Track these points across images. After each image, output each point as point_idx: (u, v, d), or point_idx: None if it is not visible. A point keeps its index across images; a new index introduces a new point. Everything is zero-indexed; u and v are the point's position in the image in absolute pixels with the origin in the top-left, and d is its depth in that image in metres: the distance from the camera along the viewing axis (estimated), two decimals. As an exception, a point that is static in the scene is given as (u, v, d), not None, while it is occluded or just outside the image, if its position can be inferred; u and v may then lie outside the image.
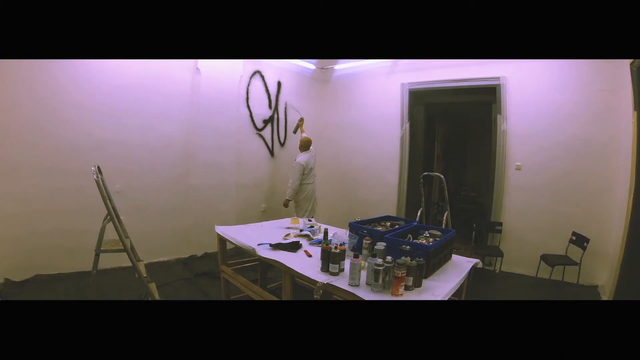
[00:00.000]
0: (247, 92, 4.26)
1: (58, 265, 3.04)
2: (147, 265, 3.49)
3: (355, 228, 2.14)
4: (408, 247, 1.76)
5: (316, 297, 1.65)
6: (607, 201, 3.24)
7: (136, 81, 3.36)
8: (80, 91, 3.05)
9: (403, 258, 1.58)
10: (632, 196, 2.73)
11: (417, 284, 1.60)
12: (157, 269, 3.45)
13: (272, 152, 4.65)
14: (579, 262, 3.13)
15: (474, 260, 2.06)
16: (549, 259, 3.28)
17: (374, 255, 1.61)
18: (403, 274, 1.50)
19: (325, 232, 2.13)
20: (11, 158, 2.76)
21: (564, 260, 3.23)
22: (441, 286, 1.65)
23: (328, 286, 1.64)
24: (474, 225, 3.97)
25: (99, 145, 3.20)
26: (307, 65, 4.87)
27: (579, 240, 3.19)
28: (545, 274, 3.32)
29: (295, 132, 4.64)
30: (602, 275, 3.23)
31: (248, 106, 4.29)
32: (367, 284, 1.60)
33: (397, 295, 1.49)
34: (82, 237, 2.74)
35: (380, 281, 1.52)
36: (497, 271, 3.76)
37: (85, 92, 3.08)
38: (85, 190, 2.94)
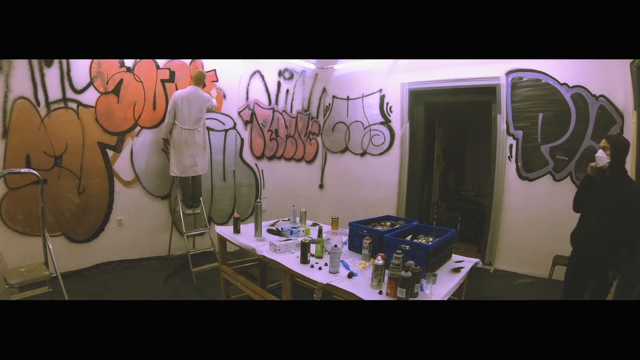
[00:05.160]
0: (247, 92, 4.27)
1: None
2: (147, 259, 3.52)
3: (356, 228, 2.15)
4: (408, 246, 1.76)
5: (316, 297, 1.66)
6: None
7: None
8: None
9: (396, 256, 1.53)
10: (632, 196, 2.73)
11: (412, 294, 1.48)
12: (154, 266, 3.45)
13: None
14: None
15: (473, 260, 2.06)
16: (556, 260, 3.25)
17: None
18: (398, 274, 1.49)
19: (320, 230, 2.15)
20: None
21: (562, 260, 3.22)
22: (440, 286, 1.65)
23: (328, 286, 1.64)
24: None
25: (100, 145, 3.21)
26: (307, 65, 4.87)
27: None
28: (544, 272, 3.32)
29: None
30: (602, 275, 3.23)
31: (248, 106, 4.30)
32: (372, 286, 1.59)
33: (394, 296, 1.49)
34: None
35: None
36: (492, 270, 3.79)
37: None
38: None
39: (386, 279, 1.56)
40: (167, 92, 3.59)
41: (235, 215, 2.60)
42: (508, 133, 3.75)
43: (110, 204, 3.35)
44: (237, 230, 2.50)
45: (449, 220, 5.03)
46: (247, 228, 2.59)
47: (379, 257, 1.60)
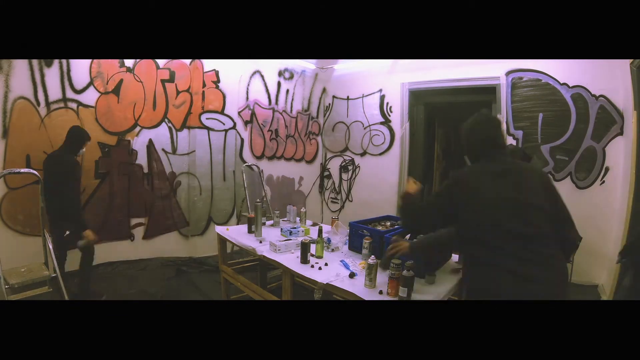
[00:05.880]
0: (247, 92, 4.27)
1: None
2: (148, 260, 3.52)
3: (356, 228, 2.15)
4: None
5: (316, 297, 1.66)
6: (607, 200, 3.24)
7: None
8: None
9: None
10: (632, 195, 2.74)
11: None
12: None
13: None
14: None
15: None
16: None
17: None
18: (399, 274, 1.49)
19: (320, 230, 2.16)
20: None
21: None
22: (440, 286, 1.65)
23: (328, 286, 1.64)
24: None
25: (100, 145, 3.21)
26: (307, 65, 4.87)
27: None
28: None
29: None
30: (601, 275, 3.23)
31: (248, 106, 4.30)
32: (366, 285, 1.60)
33: (394, 296, 1.49)
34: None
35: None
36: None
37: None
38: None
39: (386, 278, 1.56)
40: (167, 92, 3.59)
41: (250, 215, 2.58)
42: (508, 133, 3.75)
43: (110, 205, 3.35)
44: (251, 230, 2.50)
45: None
46: (245, 228, 2.59)
47: (372, 257, 1.61)
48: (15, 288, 2.08)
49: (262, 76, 4.40)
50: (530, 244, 1.20)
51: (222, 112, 4.04)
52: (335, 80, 5.12)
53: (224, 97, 4.03)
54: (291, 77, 4.75)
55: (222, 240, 2.60)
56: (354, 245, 2.15)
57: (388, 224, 2.35)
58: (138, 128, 3.45)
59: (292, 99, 4.81)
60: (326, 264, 1.89)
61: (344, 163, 5.11)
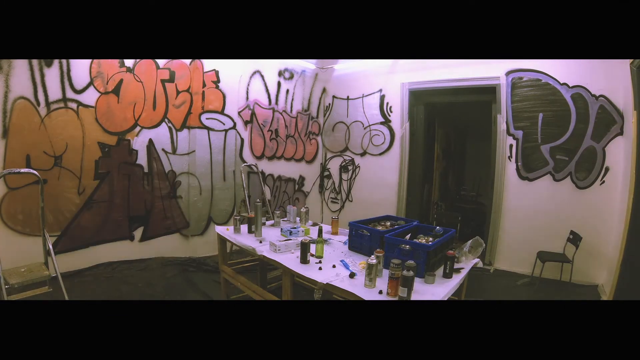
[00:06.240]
0: (247, 92, 4.27)
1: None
2: (148, 260, 3.52)
3: (356, 227, 2.15)
4: (408, 246, 1.76)
5: (316, 297, 1.66)
6: (607, 200, 3.24)
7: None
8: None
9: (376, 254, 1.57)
10: (631, 195, 2.73)
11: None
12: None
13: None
14: (571, 259, 3.14)
15: (474, 260, 2.06)
16: (542, 256, 3.29)
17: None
18: (399, 274, 1.49)
19: (320, 230, 2.15)
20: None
21: (556, 257, 3.24)
22: (440, 286, 1.65)
23: (328, 286, 1.64)
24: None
25: (100, 145, 3.21)
26: (307, 65, 4.87)
27: (576, 239, 3.20)
28: (546, 272, 3.32)
29: None
30: (601, 275, 3.24)
31: (248, 106, 4.30)
32: (366, 285, 1.60)
33: (394, 296, 1.49)
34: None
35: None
36: (492, 270, 3.80)
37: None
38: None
39: (386, 278, 1.56)
40: (167, 92, 3.59)
41: (250, 215, 2.58)
42: (508, 133, 3.76)
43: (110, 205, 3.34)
44: (251, 230, 2.51)
45: (448, 220, 5.02)
46: (245, 228, 2.59)
47: (372, 257, 1.61)
48: (15, 288, 2.08)
49: (262, 76, 4.40)
50: None
51: (222, 112, 4.04)
52: (335, 80, 5.12)
53: (224, 97, 4.03)
54: (291, 77, 4.75)
55: (222, 240, 2.60)
56: (354, 245, 2.15)
57: (388, 223, 2.35)
58: (138, 128, 3.45)
59: (292, 99, 4.81)
60: (334, 266, 1.89)
61: (344, 163, 5.12)
